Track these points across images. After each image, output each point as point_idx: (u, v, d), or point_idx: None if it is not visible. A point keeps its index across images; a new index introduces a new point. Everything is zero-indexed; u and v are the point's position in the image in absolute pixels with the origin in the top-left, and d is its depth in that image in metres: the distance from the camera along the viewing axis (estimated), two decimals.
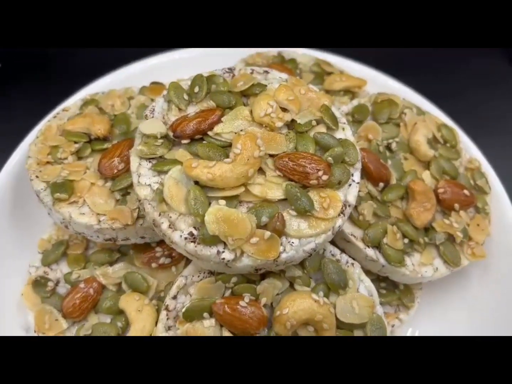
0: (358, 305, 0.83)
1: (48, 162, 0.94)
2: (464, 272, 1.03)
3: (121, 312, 0.89)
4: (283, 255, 0.77)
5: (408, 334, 1.04)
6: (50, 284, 0.93)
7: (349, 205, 0.83)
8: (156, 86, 1.10)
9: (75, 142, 0.96)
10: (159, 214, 0.78)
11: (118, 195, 0.90)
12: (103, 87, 1.14)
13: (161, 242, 0.94)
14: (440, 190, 0.99)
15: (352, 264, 0.88)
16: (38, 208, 0.95)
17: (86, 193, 0.90)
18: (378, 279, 0.99)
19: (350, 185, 0.84)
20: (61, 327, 0.89)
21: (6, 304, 0.95)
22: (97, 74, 1.21)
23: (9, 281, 0.96)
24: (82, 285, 0.91)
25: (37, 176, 0.91)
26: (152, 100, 1.05)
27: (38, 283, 0.93)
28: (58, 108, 1.09)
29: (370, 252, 0.91)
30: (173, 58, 1.29)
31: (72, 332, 0.90)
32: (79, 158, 0.96)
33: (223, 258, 0.75)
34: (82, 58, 1.52)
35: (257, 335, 0.79)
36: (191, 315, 0.79)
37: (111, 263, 0.94)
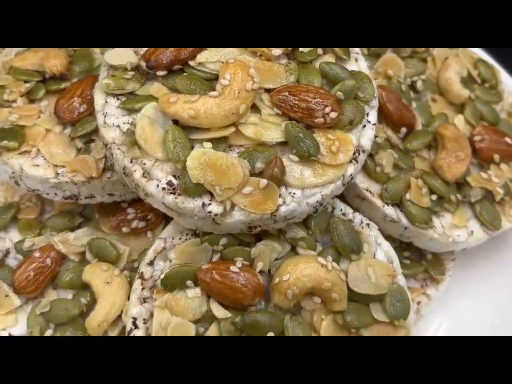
0: (375, 273, 0.87)
1: None
2: (506, 238, 1.08)
3: (85, 287, 0.93)
4: (283, 209, 0.80)
5: (438, 313, 1.08)
6: None
7: (363, 151, 0.86)
8: None
9: (26, 82, 0.99)
10: (131, 161, 0.81)
11: (80, 143, 0.93)
12: None
13: (134, 203, 0.98)
14: (477, 138, 1.02)
15: (368, 225, 0.92)
16: None
17: (40, 141, 0.93)
18: (401, 247, 1.03)
19: (364, 126, 0.87)
20: (13, 305, 0.92)
21: None
22: None
23: None
24: (37, 254, 0.94)
25: None
26: None
27: None
28: None
29: (390, 210, 0.95)
30: None
31: (26, 311, 0.93)
32: (31, 101, 0.98)
33: (210, 212, 0.78)
34: None
35: (252, 307, 0.83)
36: (172, 282, 0.83)
37: (72, 229, 0.98)
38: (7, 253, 0.98)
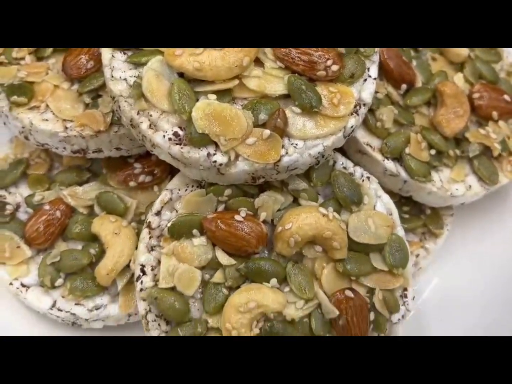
0: (375, 224, 0.89)
1: (1, 63, 0.98)
2: (503, 194, 1.10)
3: (94, 238, 0.96)
4: (285, 159, 0.82)
5: (435, 267, 1.10)
6: (9, 207, 0.99)
7: (364, 104, 0.88)
8: None
9: None
10: (138, 113, 0.83)
11: (88, 98, 0.95)
12: None
13: (141, 158, 1.00)
14: (476, 95, 1.04)
15: (368, 178, 0.94)
16: None
17: (49, 97, 0.94)
18: (400, 203, 1.05)
19: (365, 80, 0.89)
20: (24, 255, 0.96)
21: None
22: None
23: None
24: (46, 207, 0.97)
25: None
26: None
27: None
28: None
29: (390, 164, 0.97)
30: None
31: (37, 262, 0.96)
32: (39, 59, 1.00)
33: (215, 162, 0.81)
34: None
35: (256, 255, 0.86)
36: (178, 231, 0.86)
37: (80, 184, 1.00)
38: (17, 207, 1.01)
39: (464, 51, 1.07)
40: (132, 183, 0.99)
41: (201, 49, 0.83)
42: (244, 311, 0.82)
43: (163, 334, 0.85)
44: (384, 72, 0.99)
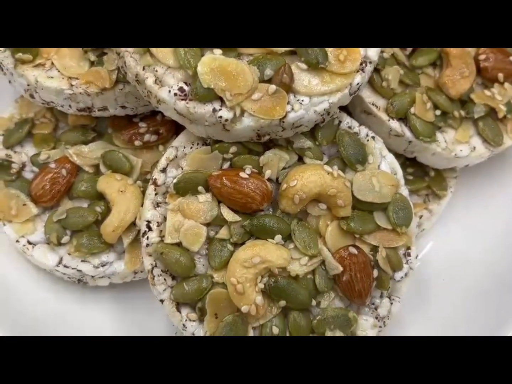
0: (379, 183, 0.89)
1: None
2: (508, 157, 1.11)
3: (100, 197, 0.97)
4: (291, 115, 0.83)
5: (440, 228, 1.12)
6: (15, 166, 1.00)
7: (370, 62, 0.88)
8: None
9: None
10: (143, 68, 0.83)
11: (93, 56, 0.95)
12: None
13: (146, 117, 1.01)
14: (482, 57, 1.04)
15: (373, 138, 0.94)
16: None
17: (54, 54, 0.95)
18: (405, 165, 1.06)
19: None
20: (31, 213, 0.97)
21: None
22: None
23: None
24: (52, 165, 0.97)
25: None
26: None
27: (1, 166, 1.00)
28: None
29: (395, 124, 0.98)
30: None
31: (43, 220, 0.97)
32: None
33: (220, 117, 0.81)
34: None
35: (261, 212, 0.87)
36: (184, 187, 0.86)
37: (85, 143, 1.01)
38: (23, 166, 1.02)
39: None
40: (137, 142, 1.00)
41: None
42: (249, 266, 0.83)
43: (169, 289, 0.86)
44: None
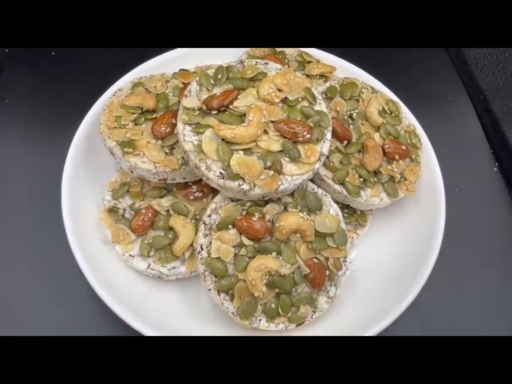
0: (329, 221, 1.00)
1: (115, 127, 1.10)
2: (401, 203, 1.22)
3: (171, 229, 1.07)
4: (281, 187, 0.94)
5: (363, 244, 1.21)
6: (120, 211, 1.11)
7: (324, 155, 1.00)
8: (184, 72, 1.24)
9: (133, 113, 1.12)
10: (199, 161, 0.95)
11: (167, 149, 1.06)
12: (140, 74, 1.26)
13: (196, 182, 1.10)
14: (386, 146, 1.16)
15: (325, 195, 1.06)
16: (106, 160, 1.14)
17: (144, 148, 1.06)
18: (343, 207, 1.16)
19: (324, 141, 1.01)
20: (131, 238, 1.07)
21: (89, 225, 1.10)
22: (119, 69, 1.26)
23: (90, 211, 1.12)
24: (143, 211, 1.08)
25: (109, 137, 1.08)
26: (183, 83, 1.21)
27: (112, 210, 1.10)
28: (114, 88, 1.24)
29: (337, 187, 1.09)
30: (183, 53, 1.37)
31: (138, 242, 1.07)
32: (136, 124, 1.11)
33: (243, 188, 0.94)
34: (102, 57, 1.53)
35: (264, 239, 0.97)
36: (221, 226, 0.97)
37: (161, 197, 1.12)
38: (124, 210, 1.11)
39: (379, 120, 1.19)
40: (191, 197, 1.09)
41: (234, 126, 0.94)
42: (258, 270, 0.90)
43: (213, 283, 0.92)
44: (334, 134, 1.10)
